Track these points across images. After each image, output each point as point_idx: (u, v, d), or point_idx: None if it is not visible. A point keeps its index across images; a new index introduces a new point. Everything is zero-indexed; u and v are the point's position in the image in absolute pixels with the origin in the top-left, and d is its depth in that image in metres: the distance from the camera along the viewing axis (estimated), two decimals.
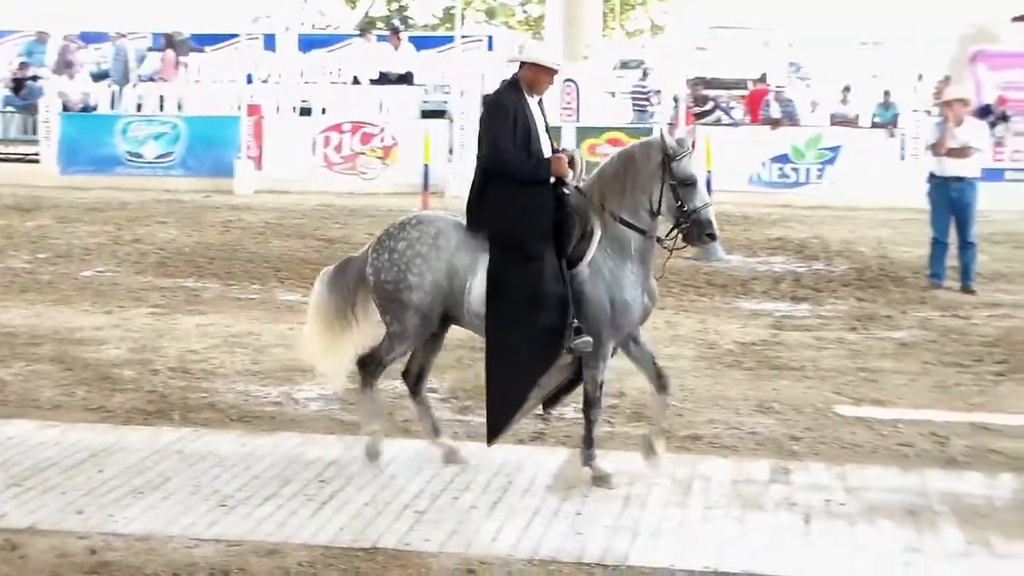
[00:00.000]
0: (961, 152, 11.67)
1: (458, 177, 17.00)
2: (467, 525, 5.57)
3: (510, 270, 6.15)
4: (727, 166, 17.27)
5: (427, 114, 21.14)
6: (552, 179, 6.26)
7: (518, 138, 6.27)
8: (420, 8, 41.23)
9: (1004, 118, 20.22)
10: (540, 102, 6.43)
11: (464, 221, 6.39)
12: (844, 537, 5.50)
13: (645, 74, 24.33)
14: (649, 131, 19.62)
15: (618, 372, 8.29)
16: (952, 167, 11.74)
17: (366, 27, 29.04)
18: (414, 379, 6.60)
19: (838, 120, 22.13)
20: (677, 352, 9.04)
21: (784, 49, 30.68)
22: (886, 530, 5.59)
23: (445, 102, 21.45)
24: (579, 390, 6.30)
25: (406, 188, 18.93)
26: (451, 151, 20.04)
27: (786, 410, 7.57)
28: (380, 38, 23.90)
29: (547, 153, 6.31)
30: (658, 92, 23.27)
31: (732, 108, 23.60)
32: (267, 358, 8.72)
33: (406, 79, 21.84)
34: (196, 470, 6.28)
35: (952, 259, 12.03)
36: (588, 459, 6.29)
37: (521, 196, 6.24)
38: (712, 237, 6.32)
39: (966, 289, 11.75)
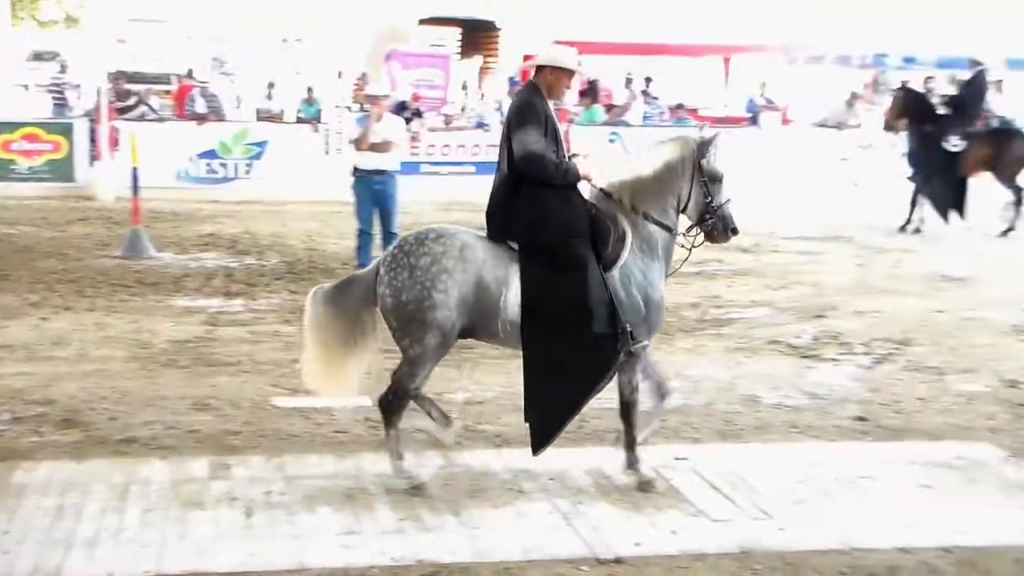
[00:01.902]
0: (382, 147, 12.19)
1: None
2: None
3: (551, 280, 5.90)
4: (154, 162, 16.83)
5: None
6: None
7: (549, 142, 6.04)
8: None
9: (418, 114, 21.43)
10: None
11: (477, 233, 6.08)
12: (284, 527, 5.58)
13: (63, 67, 23.19)
14: (69, 126, 18.99)
15: (44, 378, 7.85)
16: (374, 161, 12.22)
17: None
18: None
19: (264, 115, 22.32)
20: (109, 354, 8.72)
21: (208, 44, 30.48)
22: (325, 515, 5.74)
23: None
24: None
25: None
26: None
27: (224, 406, 7.54)
28: None
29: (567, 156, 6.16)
30: (77, 86, 22.26)
31: (156, 102, 23.06)
32: None
33: None
34: None
35: (378, 249, 12.54)
36: (632, 463, 6.20)
37: (555, 202, 6.01)
38: (736, 232, 6.29)
39: None
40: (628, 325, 5.96)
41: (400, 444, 6.19)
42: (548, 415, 6.07)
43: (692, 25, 21.89)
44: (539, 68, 6.21)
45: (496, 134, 21.31)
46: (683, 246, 6.33)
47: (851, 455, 6.76)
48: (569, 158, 6.19)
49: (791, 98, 22.54)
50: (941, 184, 15.79)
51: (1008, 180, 16.07)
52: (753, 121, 22.90)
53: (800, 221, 16.46)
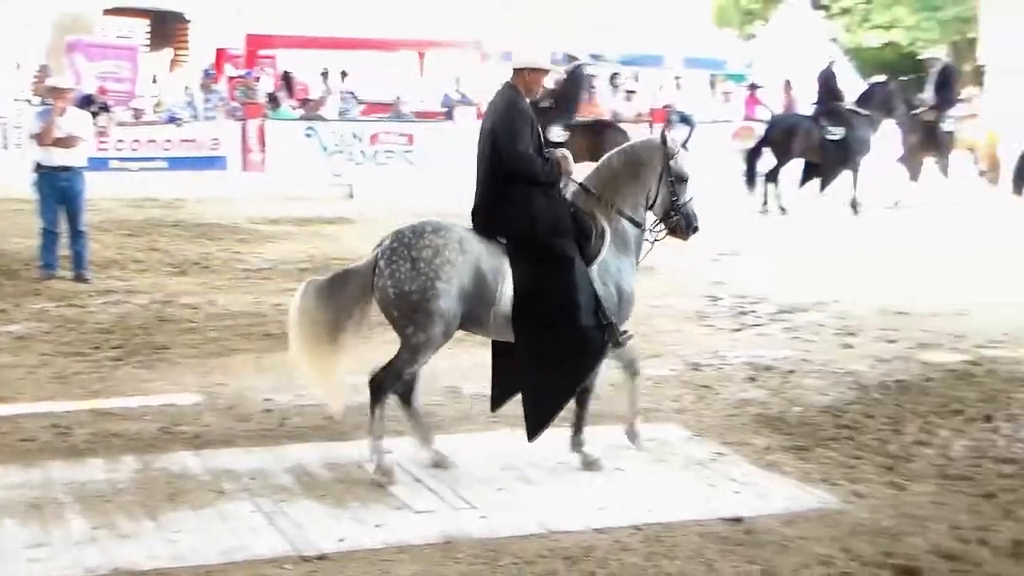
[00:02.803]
0: (67, 142, 11.66)
1: None
2: None
3: (539, 273, 6.21)
4: None
5: None
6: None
7: (533, 140, 6.33)
8: None
9: (105, 108, 20.59)
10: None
11: (467, 227, 6.33)
12: None
13: None
14: None
15: None
16: (59, 157, 11.69)
17: None
18: (406, 386, 6.43)
19: None
20: None
21: None
22: (9, 528, 5.45)
23: None
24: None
25: None
26: None
27: None
28: None
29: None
30: None
31: None
32: None
33: None
34: None
35: (64, 248, 11.99)
36: (577, 445, 6.53)
37: (540, 200, 6.32)
38: (697, 229, 6.72)
39: (80, 278, 11.80)
40: (613, 318, 6.35)
41: (382, 428, 6.31)
42: (542, 403, 6.38)
43: (387, 19, 21.97)
44: (516, 70, 6.47)
45: (189, 128, 20.82)
46: (648, 240, 6.72)
47: (550, 441, 6.96)
48: (549, 156, 6.47)
49: (485, 93, 22.97)
50: None
51: None
52: (448, 116, 23.24)
53: None
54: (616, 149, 6.80)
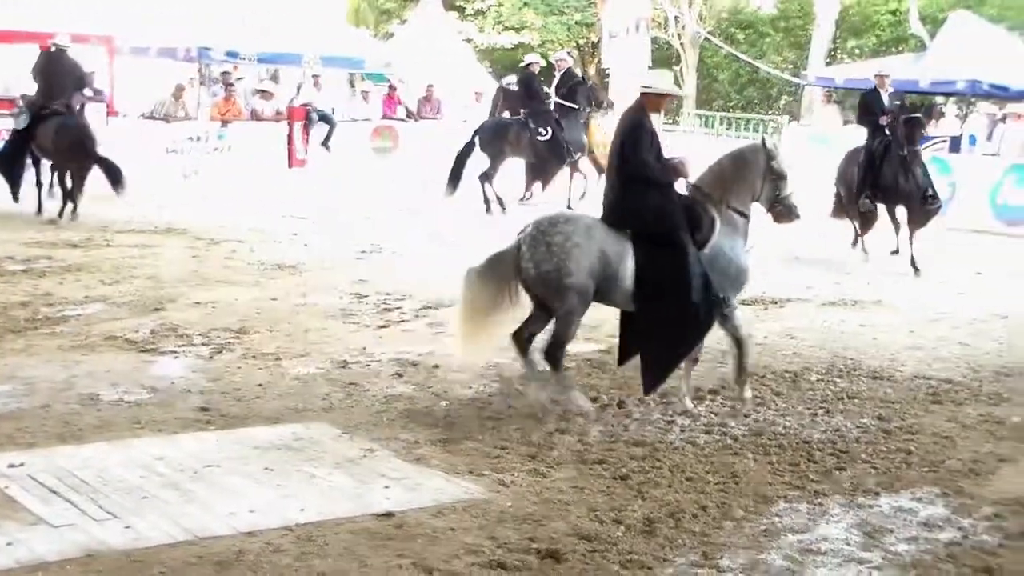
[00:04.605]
0: None
1: None
2: None
3: (656, 256, 7.52)
4: None
5: None
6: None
7: (654, 150, 7.70)
8: None
9: None
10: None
11: (597, 218, 7.75)
12: None
13: None
14: None
15: None
16: None
17: None
18: (524, 342, 7.79)
19: None
20: None
21: None
22: None
23: None
24: None
25: None
26: None
27: None
28: None
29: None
30: None
31: None
32: None
33: None
34: None
35: None
36: (742, 383, 8.04)
37: (658, 197, 7.66)
38: (798, 216, 8.14)
39: None
40: (720, 293, 7.60)
41: (571, 380, 7.98)
42: (657, 365, 7.69)
43: (11, 9, 20.61)
44: (644, 92, 7.92)
45: None
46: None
47: (195, 446, 6.80)
48: (669, 160, 7.82)
49: (117, 89, 22.04)
50: None
51: None
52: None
53: (133, 214, 16.18)
54: (726, 153, 8.21)
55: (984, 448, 7.40)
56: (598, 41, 33.39)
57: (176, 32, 22.67)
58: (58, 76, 16.14)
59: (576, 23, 38.85)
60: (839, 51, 36.00)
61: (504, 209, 18.09)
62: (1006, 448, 7.43)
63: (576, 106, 18.95)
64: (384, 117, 23.98)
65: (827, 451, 7.20)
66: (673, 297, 7.51)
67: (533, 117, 18.73)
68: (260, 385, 8.25)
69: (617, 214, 7.75)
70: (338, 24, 27.75)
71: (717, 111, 30.81)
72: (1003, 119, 21.53)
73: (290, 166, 22.01)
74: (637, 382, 7.91)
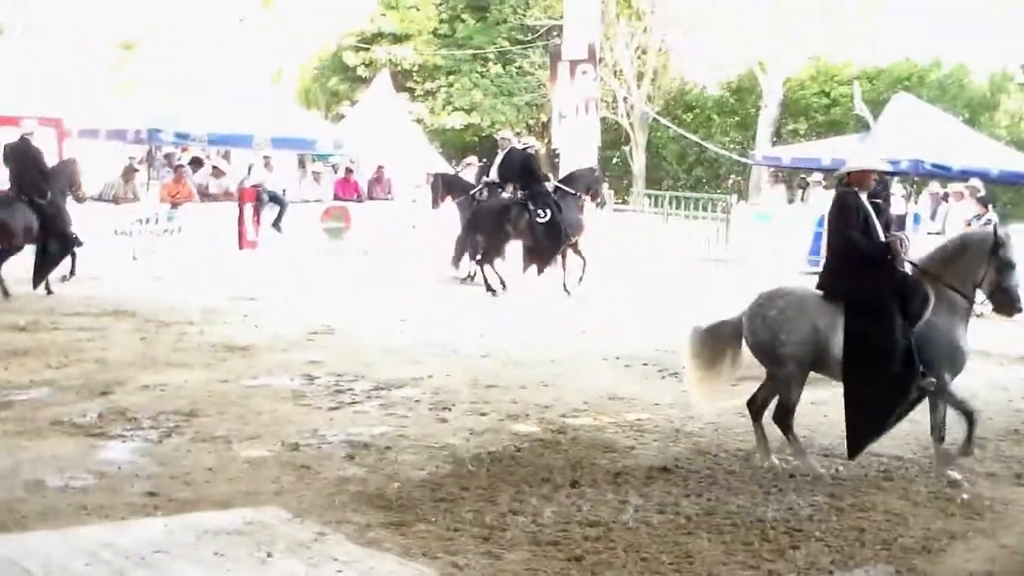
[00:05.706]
0: None
1: None
2: None
3: (866, 328, 7.97)
4: None
5: None
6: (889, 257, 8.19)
7: (860, 225, 8.17)
8: None
9: None
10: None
11: (814, 291, 8.43)
12: None
13: None
14: None
15: None
16: None
17: None
18: (758, 408, 8.60)
19: None
20: None
21: None
22: None
23: None
24: None
25: None
26: None
27: None
28: None
29: (881, 236, 8.31)
30: None
31: None
32: None
33: None
34: None
35: None
36: (967, 453, 8.38)
37: (871, 271, 8.12)
38: (1020, 310, 8.19)
39: None
40: (921, 366, 7.89)
41: (799, 443, 8.56)
42: (864, 429, 8.10)
43: None
44: (850, 172, 8.44)
45: None
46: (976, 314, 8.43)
47: (143, 532, 6.69)
48: (887, 236, 8.39)
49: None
50: None
51: None
52: None
53: (80, 297, 16.04)
54: (954, 236, 8.64)
55: (935, 525, 7.43)
56: (547, 121, 33.80)
57: (125, 114, 22.68)
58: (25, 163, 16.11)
59: (526, 104, 39.34)
60: (783, 132, 36.68)
61: (505, 287, 18.13)
62: (956, 524, 7.47)
63: (574, 192, 19.10)
64: (335, 198, 23.98)
65: (780, 529, 7.20)
66: (877, 365, 7.92)
67: (532, 199, 18.67)
68: (210, 469, 8.15)
69: (830, 285, 8.39)
70: (288, 105, 27.91)
71: (667, 190, 31.11)
72: (945, 198, 21.94)
73: (241, 247, 21.96)
74: (590, 461, 7.87)
